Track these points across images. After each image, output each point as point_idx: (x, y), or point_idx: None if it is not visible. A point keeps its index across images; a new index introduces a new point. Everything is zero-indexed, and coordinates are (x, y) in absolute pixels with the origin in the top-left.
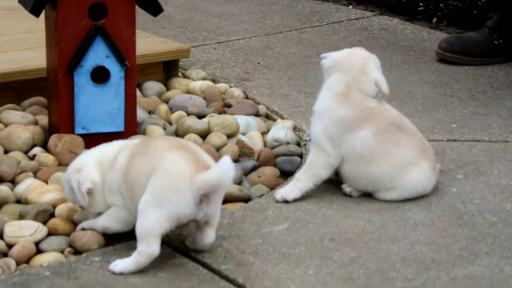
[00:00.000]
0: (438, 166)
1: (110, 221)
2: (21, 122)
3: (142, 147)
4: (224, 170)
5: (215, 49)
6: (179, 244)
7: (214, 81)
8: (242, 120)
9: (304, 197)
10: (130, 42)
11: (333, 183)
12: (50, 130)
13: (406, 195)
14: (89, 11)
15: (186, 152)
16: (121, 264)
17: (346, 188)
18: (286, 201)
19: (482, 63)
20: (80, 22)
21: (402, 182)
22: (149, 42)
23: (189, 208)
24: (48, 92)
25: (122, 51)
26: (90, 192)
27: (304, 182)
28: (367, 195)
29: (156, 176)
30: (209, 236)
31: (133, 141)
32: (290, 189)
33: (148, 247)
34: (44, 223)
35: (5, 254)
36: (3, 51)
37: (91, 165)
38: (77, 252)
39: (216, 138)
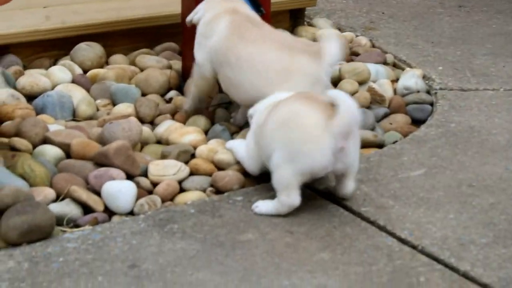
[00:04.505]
0: None
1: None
2: (156, 67)
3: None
4: (350, 107)
5: None
6: (319, 186)
7: (339, 29)
8: (372, 68)
9: (440, 143)
10: None
11: (467, 131)
12: (184, 74)
13: None
14: None
15: (314, 101)
16: (262, 206)
17: None
18: None
19: None
20: None
21: None
22: None
23: (326, 160)
24: (183, 37)
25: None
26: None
27: None
28: (508, 144)
29: (288, 129)
30: (348, 186)
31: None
32: None
33: (288, 198)
34: (185, 163)
35: (150, 192)
36: None
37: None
38: (218, 191)
39: (347, 85)
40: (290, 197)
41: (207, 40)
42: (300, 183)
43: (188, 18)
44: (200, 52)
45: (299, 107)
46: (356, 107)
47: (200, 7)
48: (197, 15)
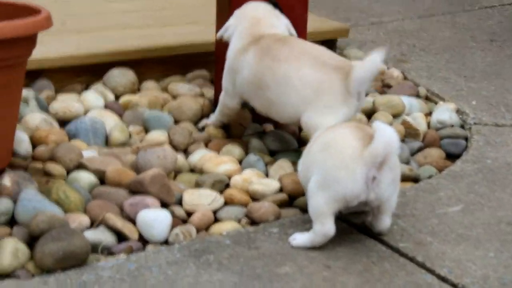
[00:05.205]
0: None
1: None
2: (189, 94)
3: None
4: (387, 136)
5: (368, 30)
6: (355, 220)
7: None
8: (405, 101)
9: (476, 179)
10: (302, 19)
11: (504, 168)
12: (216, 103)
13: None
14: None
15: (360, 131)
16: (299, 239)
17: None
18: None
19: None
20: None
21: None
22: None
23: (358, 188)
24: (215, 65)
25: (294, 27)
26: None
27: None
28: None
29: (326, 154)
30: (383, 222)
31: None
32: None
33: (322, 227)
34: (220, 192)
35: (184, 221)
36: (170, 25)
37: None
38: (253, 222)
39: (382, 117)
40: (325, 226)
41: (237, 75)
42: (334, 211)
43: (219, 34)
44: (229, 84)
45: (343, 134)
46: (395, 139)
47: (230, 22)
48: (227, 32)
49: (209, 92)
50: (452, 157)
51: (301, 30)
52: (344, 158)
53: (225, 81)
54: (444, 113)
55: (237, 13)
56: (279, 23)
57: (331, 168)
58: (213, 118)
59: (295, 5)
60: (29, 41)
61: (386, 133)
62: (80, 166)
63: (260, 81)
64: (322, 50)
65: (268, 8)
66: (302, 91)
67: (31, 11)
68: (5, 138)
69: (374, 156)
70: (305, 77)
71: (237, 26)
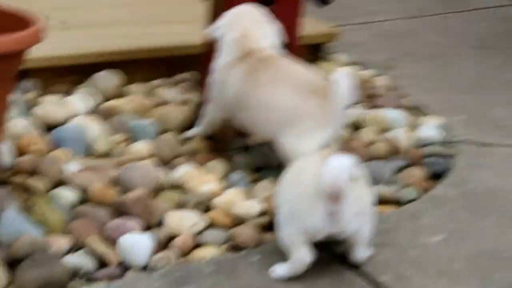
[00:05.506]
0: None
1: None
2: (175, 100)
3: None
4: (333, 169)
5: (358, 30)
6: (337, 249)
7: (357, 65)
8: (390, 115)
9: (459, 205)
10: (294, 26)
11: (487, 193)
12: (202, 109)
13: None
14: None
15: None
16: (279, 270)
17: None
18: None
19: None
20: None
21: None
22: None
23: (318, 223)
24: (201, 68)
25: (287, 35)
26: None
27: None
28: None
29: (290, 186)
30: (358, 254)
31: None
32: None
33: (297, 254)
34: (203, 212)
35: (166, 243)
36: (159, 23)
37: None
38: (235, 247)
39: (369, 132)
40: (300, 254)
41: (223, 90)
42: (305, 241)
43: (208, 31)
44: (216, 95)
45: (308, 165)
46: (344, 172)
47: (223, 22)
48: (218, 31)
49: (195, 97)
50: (435, 176)
51: (293, 38)
52: (303, 192)
53: (213, 93)
54: (429, 130)
55: (230, 15)
56: (269, 32)
57: (293, 201)
58: (198, 129)
59: (289, 15)
60: (16, 56)
61: (332, 167)
62: (63, 181)
63: (241, 102)
64: (305, 73)
65: (259, 15)
66: (280, 115)
67: (21, 21)
68: None
69: (323, 190)
70: (283, 101)
71: (228, 32)
